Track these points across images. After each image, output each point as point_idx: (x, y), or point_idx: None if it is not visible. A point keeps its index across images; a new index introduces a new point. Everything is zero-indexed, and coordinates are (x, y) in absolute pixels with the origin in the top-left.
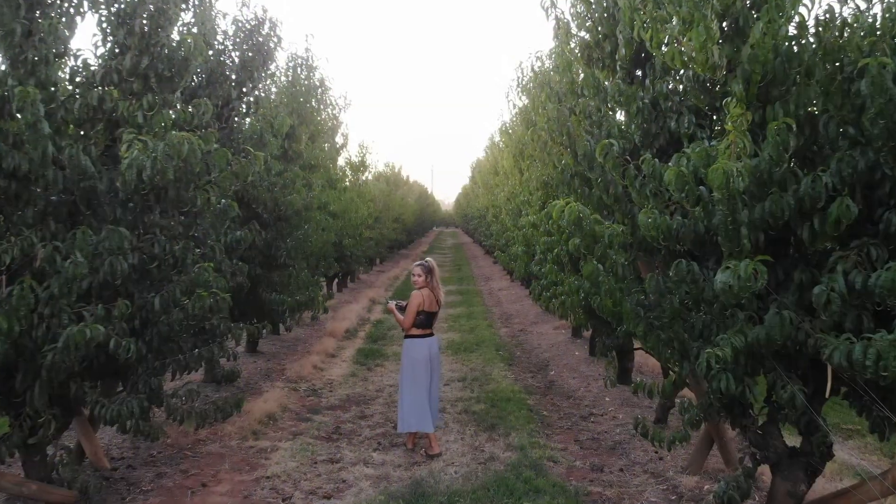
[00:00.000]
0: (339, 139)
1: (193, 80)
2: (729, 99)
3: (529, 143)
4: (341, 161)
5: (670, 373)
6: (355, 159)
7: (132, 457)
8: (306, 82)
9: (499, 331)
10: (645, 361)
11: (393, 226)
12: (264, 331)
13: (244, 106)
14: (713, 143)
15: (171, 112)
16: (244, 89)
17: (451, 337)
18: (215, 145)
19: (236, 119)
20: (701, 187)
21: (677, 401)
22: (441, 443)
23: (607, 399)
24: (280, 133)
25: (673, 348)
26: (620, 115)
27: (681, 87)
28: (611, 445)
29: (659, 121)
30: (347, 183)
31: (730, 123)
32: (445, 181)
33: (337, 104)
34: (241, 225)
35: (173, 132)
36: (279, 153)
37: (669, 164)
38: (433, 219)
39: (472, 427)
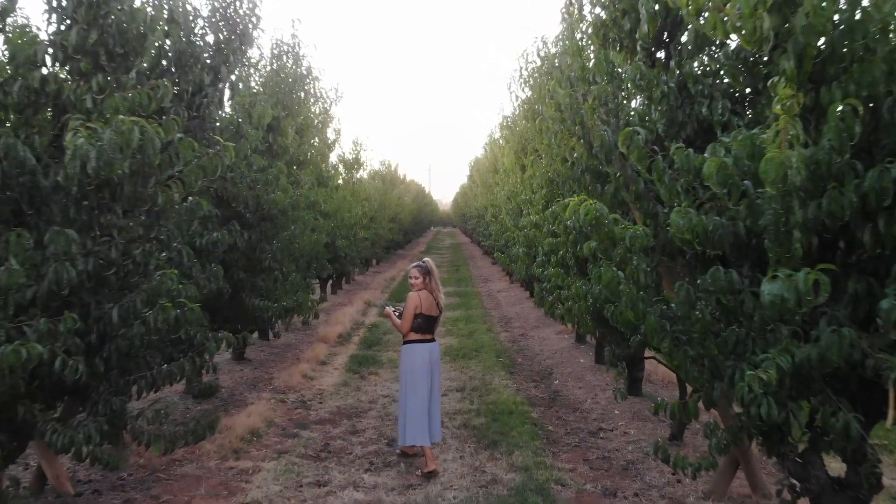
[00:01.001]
0: (330, 134)
1: (162, 64)
2: (776, 79)
3: (534, 137)
4: (334, 158)
5: (695, 393)
6: (349, 156)
7: (100, 480)
8: (293, 71)
9: (499, 335)
10: (655, 370)
11: (389, 226)
12: (252, 336)
13: (219, 93)
14: (753, 131)
15: (125, 95)
16: (219, 74)
17: (448, 342)
18: (179, 135)
19: (210, 108)
20: (745, 182)
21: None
22: (439, 461)
23: (616, 412)
24: (261, 125)
25: (702, 367)
26: (637, 103)
27: (716, 66)
28: (623, 465)
29: (686, 107)
30: (341, 181)
31: (778, 107)
32: (443, 181)
33: (328, 97)
34: (221, 225)
35: (121, 117)
36: (263, 147)
37: (703, 155)
38: (431, 218)
39: (472, 444)
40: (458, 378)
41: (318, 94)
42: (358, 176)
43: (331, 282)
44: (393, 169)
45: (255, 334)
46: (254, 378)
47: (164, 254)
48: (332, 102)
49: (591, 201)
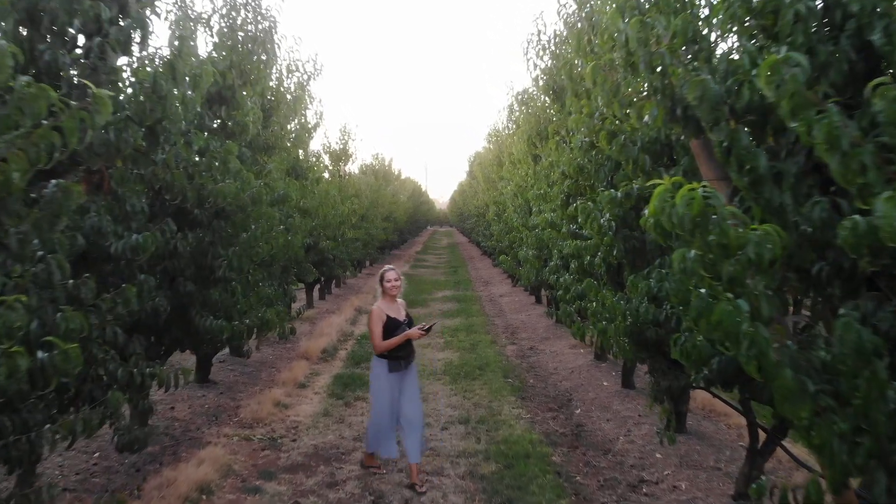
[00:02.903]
0: (310, 117)
1: None
2: None
3: (555, 115)
4: (316, 145)
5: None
6: (336, 146)
7: None
8: (252, 28)
9: (504, 349)
10: (708, 402)
11: (383, 225)
12: (223, 352)
13: (125, 36)
14: None
15: None
16: (126, 6)
17: (448, 357)
18: (25, 78)
19: (107, 54)
20: None
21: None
22: None
23: (659, 455)
24: (199, 87)
25: (862, 449)
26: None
27: None
28: None
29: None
30: (326, 174)
31: None
32: (440, 180)
33: (304, 69)
34: (150, 222)
35: None
36: (212, 124)
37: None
38: (427, 217)
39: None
40: (461, 405)
41: (292, 66)
42: (347, 169)
43: (318, 286)
44: (387, 164)
45: (227, 349)
46: (217, 406)
47: (21, 267)
48: (309, 77)
49: (697, 185)
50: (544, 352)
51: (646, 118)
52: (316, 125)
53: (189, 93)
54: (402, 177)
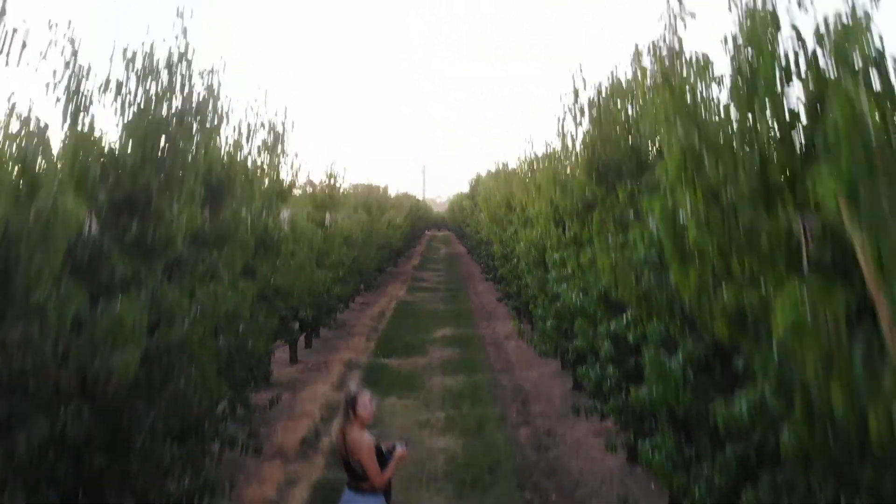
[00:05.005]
0: (285, 174)
1: None
2: None
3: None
4: (286, 177)
5: None
6: (322, 188)
7: None
8: (178, 102)
9: (517, 432)
10: None
11: (379, 253)
12: None
13: None
14: None
15: None
16: None
17: (450, 446)
18: None
19: None
20: None
21: None
22: None
23: None
24: (54, 241)
25: None
26: None
27: None
28: None
29: None
30: (310, 219)
31: None
32: (438, 174)
33: (272, 127)
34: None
35: None
36: (124, 238)
37: None
38: (426, 221)
39: None
40: None
41: (256, 125)
42: (333, 217)
43: (303, 335)
44: (382, 190)
45: None
46: None
47: None
48: (278, 136)
49: None
50: (564, 439)
51: None
52: (291, 184)
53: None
54: (400, 192)
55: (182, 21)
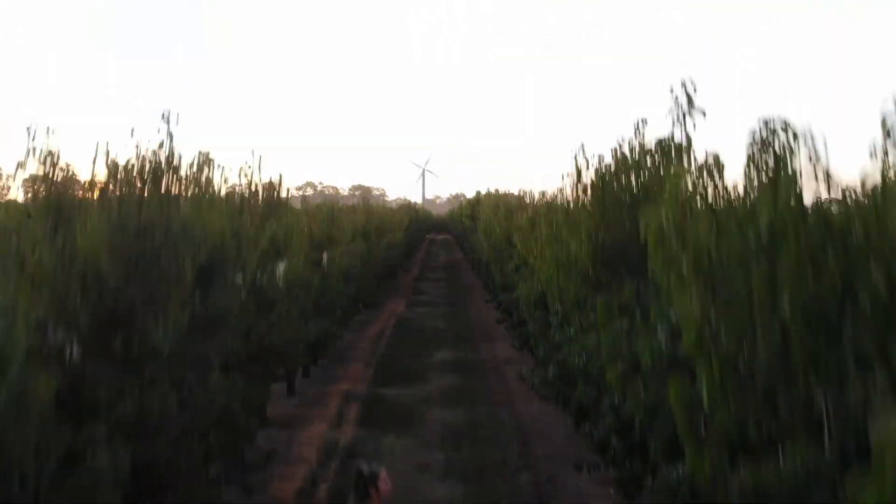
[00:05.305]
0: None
1: None
2: None
3: None
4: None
5: None
6: (321, 221)
7: None
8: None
9: (518, 478)
10: None
11: (377, 270)
12: None
13: None
14: None
15: None
16: None
17: (447, 493)
18: None
19: None
20: None
21: None
22: None
23: None
24: None
25: None
26: None
27: None
28: None
29: None
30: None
31: None
32: (438, 175)
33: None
34: None
35: None
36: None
37: None
38: (425, 226)
39: None
40: None
41: (249, 194)
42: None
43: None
44: (382, 201)
45: None
46: None
47: None
48: (276, 193)
49: None
50: (569, 491)
51: None
52: (287, 239)
53: None
54: (400, 197)
55: (168, 126)
